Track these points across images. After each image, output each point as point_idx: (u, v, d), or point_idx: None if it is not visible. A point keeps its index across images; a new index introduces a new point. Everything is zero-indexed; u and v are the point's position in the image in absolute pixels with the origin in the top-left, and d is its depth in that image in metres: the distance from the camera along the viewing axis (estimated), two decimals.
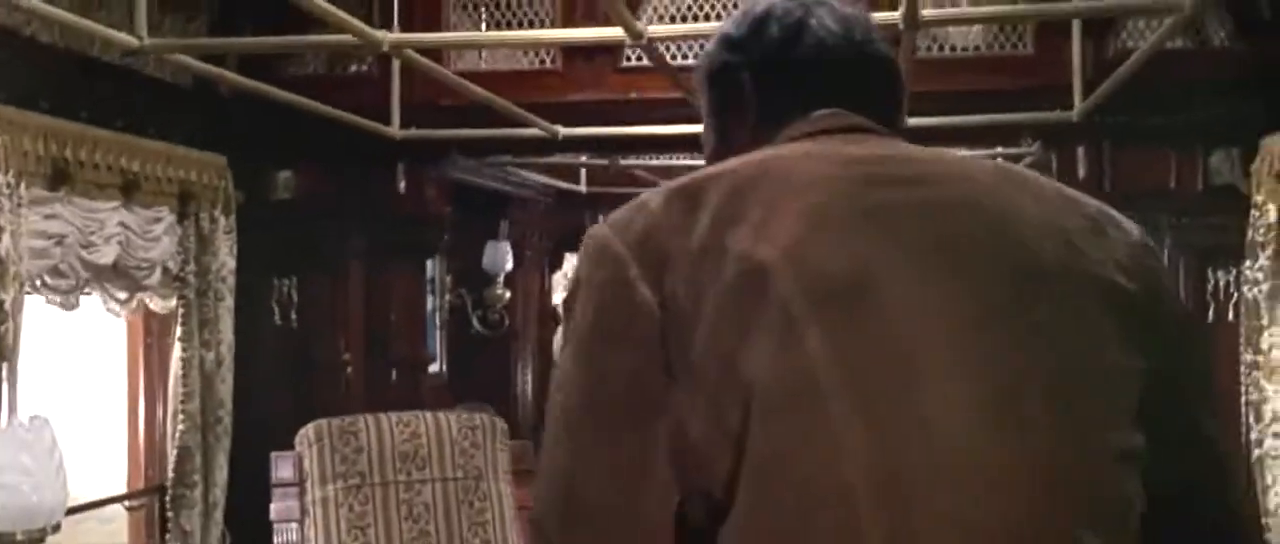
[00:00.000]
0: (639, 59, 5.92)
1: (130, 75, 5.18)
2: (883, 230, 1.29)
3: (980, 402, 1.20)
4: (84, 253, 4.80)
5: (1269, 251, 4.99)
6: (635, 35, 3.63)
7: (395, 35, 3.96)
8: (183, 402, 5.46)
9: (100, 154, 4.83)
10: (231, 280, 5.66)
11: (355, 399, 5.99)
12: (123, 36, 3.81)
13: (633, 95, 5.82)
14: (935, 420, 1.18)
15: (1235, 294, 5.53)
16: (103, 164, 4.85)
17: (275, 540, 5.17)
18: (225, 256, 5.62)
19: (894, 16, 3.64)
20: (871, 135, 1.50)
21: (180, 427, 5.44)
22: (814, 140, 1.48)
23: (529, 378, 8.51)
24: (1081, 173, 5.72)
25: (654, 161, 7.02)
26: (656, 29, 4.10)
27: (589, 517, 1.23)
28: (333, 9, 3.37)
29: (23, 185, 4.37)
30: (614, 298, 1.28)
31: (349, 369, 6.14)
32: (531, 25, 5.95)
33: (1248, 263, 5.10)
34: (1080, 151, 5.73)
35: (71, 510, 4.38)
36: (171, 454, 5.50)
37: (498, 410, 6.36)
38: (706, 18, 5.61)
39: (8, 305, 4.26)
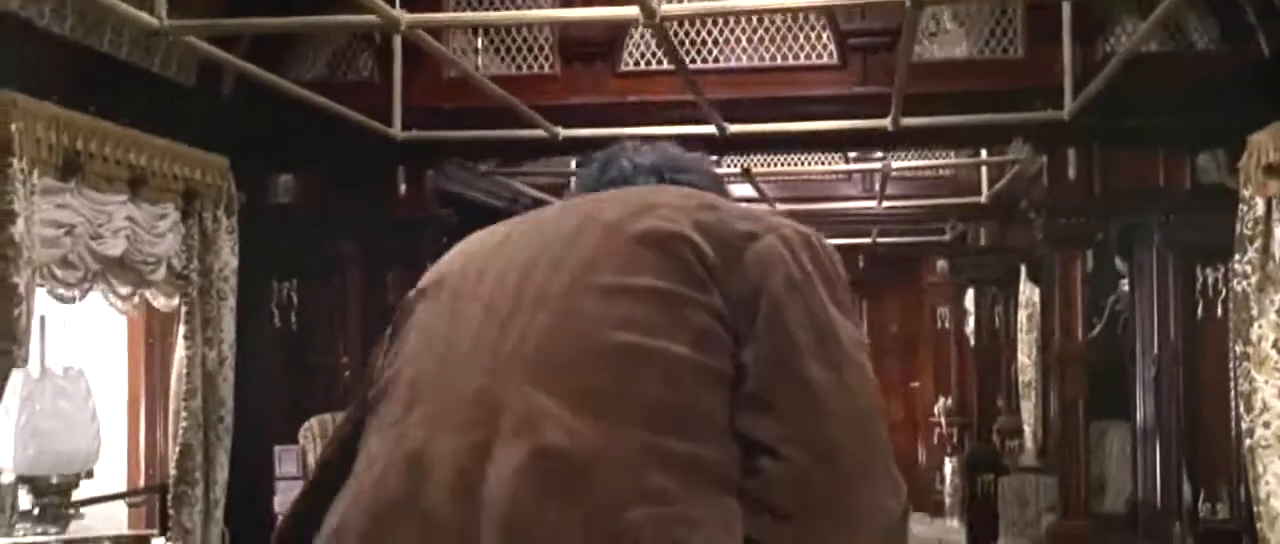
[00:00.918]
0: (637, 63, 6.04)
1: (137, 72, 5.24)
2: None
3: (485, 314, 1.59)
4: (93, 244, 4.84)
5: (1257, 245, 5.09)
6: (649, 14, 3.71)
7: (412, 15, 4.02)
8: (185, 399, 5.48)
9: (109, 147, 4.88)
10: (233, 280, 5.70)
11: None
12: (144, 16, 3.87)
13: (631, 99, 5.91)
14: (462, 327, 1.60)
15: (1223, 291, 5.64)
16: (112, 157, 4.90)
17: None
18: (227, 256, 5.67)
19: None
20: None
21: (182, 424, 5.47)
22: None
23: None
24: (1072, 174, 5.84)
25: None
26: (670, 8, 4.16)
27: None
28: None
29: (35, 173, 4.43)
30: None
31: (347, 372, 6.18)
32: (530, 29, 6.04)
33: (1237, 256, 5.19)
34: (1071, 153, 5.85)
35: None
36: (173, 452, 5.52)
37: None
38: None
39: (22, 288, 4.30)
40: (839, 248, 1.63)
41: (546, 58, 6.09)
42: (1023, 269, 9.72)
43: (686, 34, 5.91)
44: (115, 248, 4.95)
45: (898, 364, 13.38)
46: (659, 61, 6.00)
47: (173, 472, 5.52)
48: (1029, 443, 10.08)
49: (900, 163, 7.76)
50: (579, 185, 1.94)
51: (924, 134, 5.81)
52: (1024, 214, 7.87)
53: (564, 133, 5.54)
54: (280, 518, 1.60)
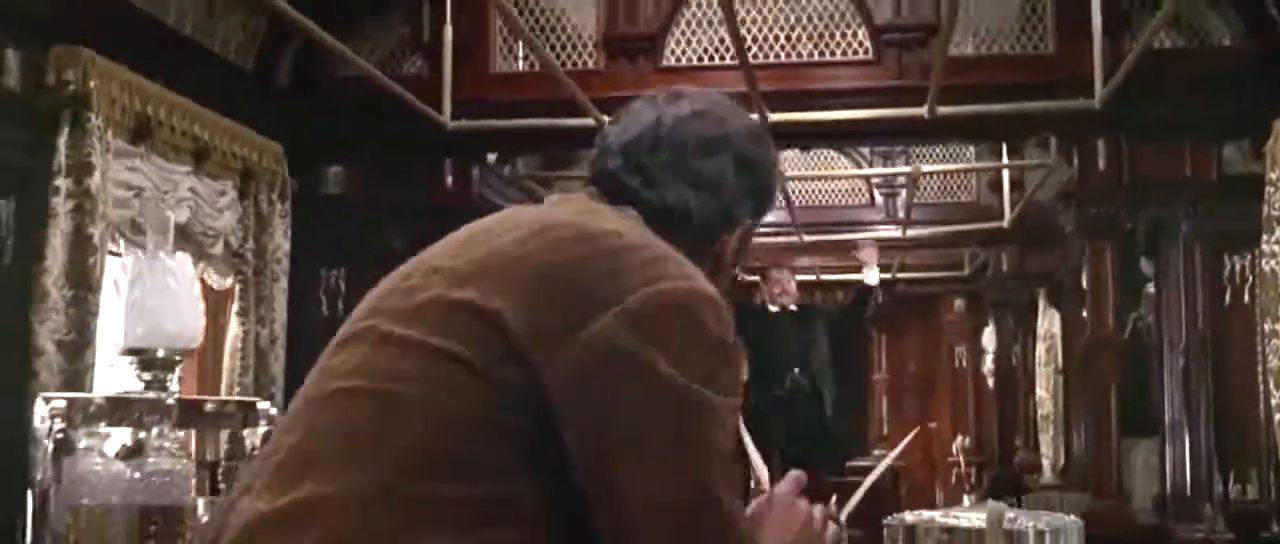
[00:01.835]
0: (678, 59, 6.23)
1: (200, 50, 5.42)
2: None
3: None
4: (160, 209, 5.00)
5: None
6: None
7: None
8: (238, 375, 5.62)
9: (176, 117, 5.05)
10: (285, 263, 5.86)
11: None
12: None
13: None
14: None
15: (1250, 277, 5.79)
16: (178, 127, 5.07)
17: None
18: (280, 239, 5.83)
19: None
20: None
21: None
22: None
23: None
24: (1101, 165, 6.01)
25: None
26: None
27: None
28: None
29: (109, 132, 4.60)
30: None
31: None
32: (574, 25, 6.23)
33: (1264, 237, 5.34)
34: (1100, 145, 6.02)
35: None
36: (224, 430, 5.63)
37: None
38: None
39: (97, 239, 4.46)
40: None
41: (589, 54, 6.28)
42: (1042, 295, 9.87)
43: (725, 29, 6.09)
44: (180, 216, 5.11)
45: (915, 403, 13.49)
46: (699, 58, 6.20)
47: (224, 448, 5.63)
48: (1048, 474, 10.17)
49: (929, 166, 7.94)
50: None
51: (958, 124, 5.97)
52: (1045, 237, 8.07)
53: (609, 121, 5.70)
54: None
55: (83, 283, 4.44)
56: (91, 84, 4.48)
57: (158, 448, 3.22)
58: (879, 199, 9.72)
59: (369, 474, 1.44)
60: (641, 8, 6.25)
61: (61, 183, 4.42)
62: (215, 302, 5.86)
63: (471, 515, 1.44)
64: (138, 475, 3.18)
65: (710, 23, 6.16)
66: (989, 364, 12.12)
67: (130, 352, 3.17)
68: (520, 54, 6.41)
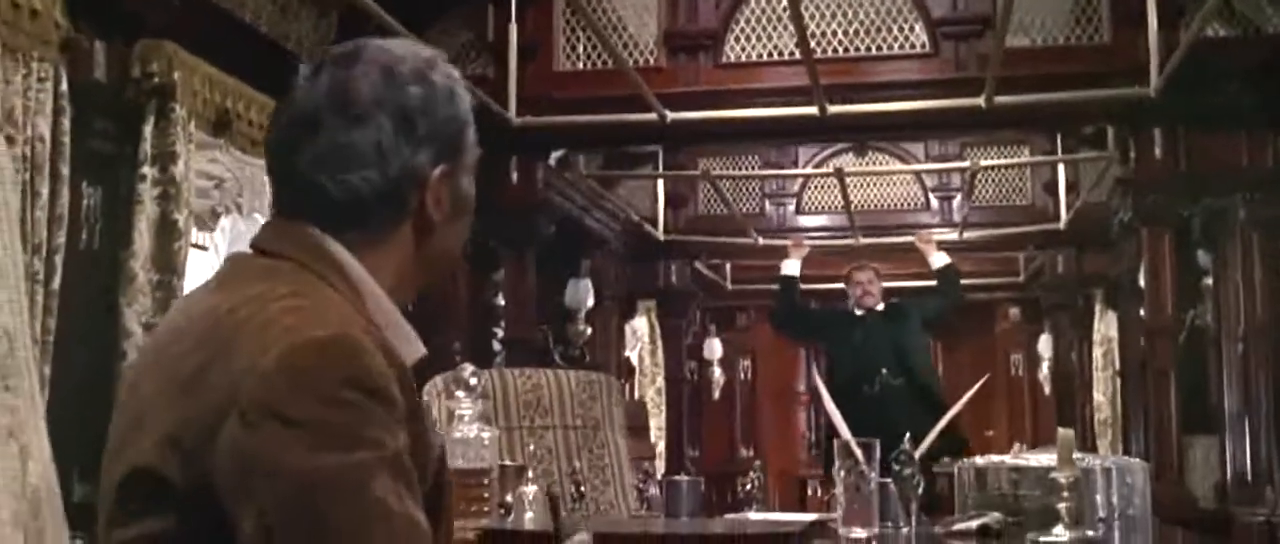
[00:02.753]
0: (738, 56, 6.35)
1: (275, 49, 5.58)
2: None
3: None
4: (239, 201, 5.16)
5: None
6: None
7: None
8: None
9: (254, 112, 5.20)
10: None
11: None
12: None
13: (731, 87, 6.20)
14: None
15: None
16: (256, 122, 5.22)
17: None
18: None
19: None
20: None
21: None
22: None
23: None
24: (1158, 153, 6.07)
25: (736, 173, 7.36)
26: None
27: None
28: None
29: (192, 123, 4.76)
30: None
31: (458, 355, 6.44)
32: (634, 25, 6.37)
33: None
34: (1156, 133, 6.09)
35: None
36: None
37: None
38: None
39: (181, 224, 4.61)
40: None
41: (650, 51, 6.41)
42: (1098, 297, 9.91)
43: (785, 25, 6.20)
44: (258, 208, 5.26)
45: (971, 411, 13.46)
46: (757, 53, 6.31)
47: None
48: None
49: (988, 161, 8.02)
50: None
51: (1015, 114, 6.05)
52: (1101, 239, 8.11)
53: (671, 115, 5.85)
54: None
55: (168, 267, 4.59)
56: (175, 76, 4.64)
57: None
58: (935, 203, 9.78)
59: None
60: (702, 5, 6.38)
61: (147, 171, 4.57)
62: None
63: None
64: None
65: (769, 19, 6.28)
66: (1045, 371, 12.14)
67: None
68: (582, 53, 6.54)
